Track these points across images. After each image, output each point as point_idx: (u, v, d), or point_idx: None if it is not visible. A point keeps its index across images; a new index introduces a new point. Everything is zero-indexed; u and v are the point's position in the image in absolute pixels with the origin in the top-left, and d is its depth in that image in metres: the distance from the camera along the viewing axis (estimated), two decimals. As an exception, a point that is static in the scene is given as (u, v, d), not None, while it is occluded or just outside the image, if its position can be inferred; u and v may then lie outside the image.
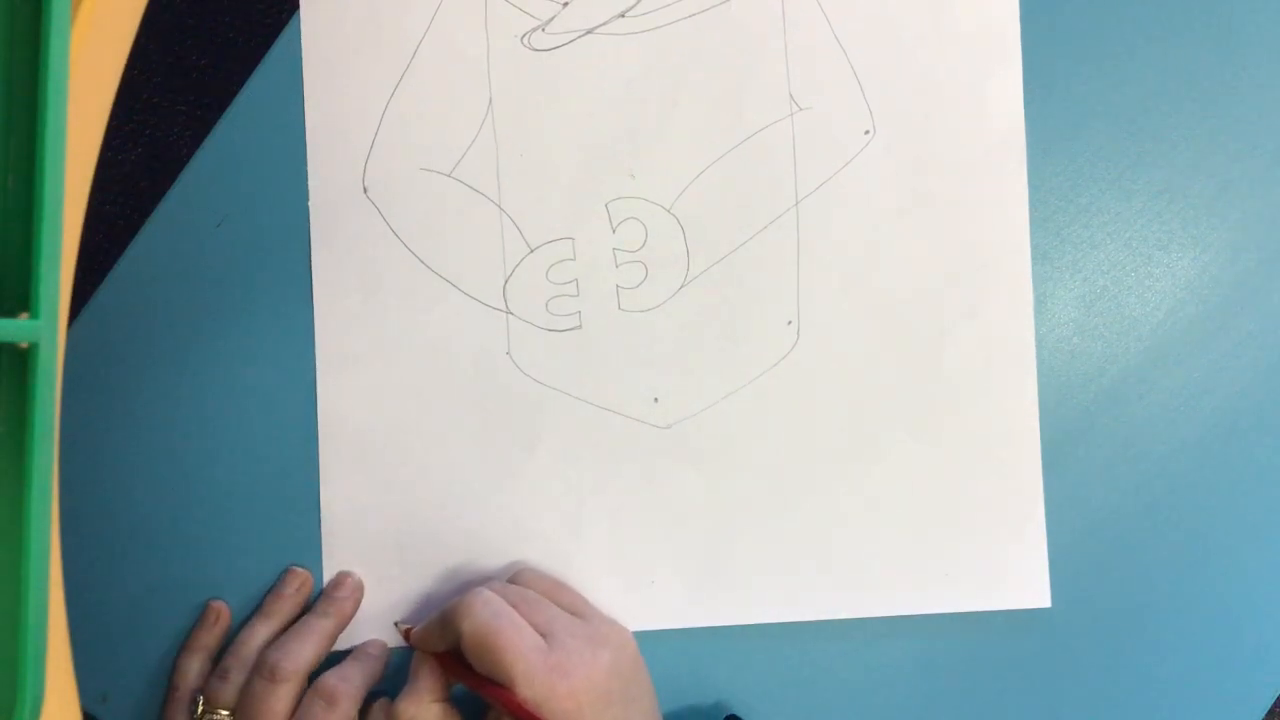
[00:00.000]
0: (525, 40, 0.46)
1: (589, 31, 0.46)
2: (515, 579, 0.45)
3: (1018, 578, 0.46)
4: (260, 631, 0.45)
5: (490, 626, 0.39)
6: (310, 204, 0.46)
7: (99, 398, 0.46)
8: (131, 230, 0.46)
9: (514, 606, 0.41)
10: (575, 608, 0.44)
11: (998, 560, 0.46)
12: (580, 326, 0.46)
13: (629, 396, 0.46)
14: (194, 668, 0.45)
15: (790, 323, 0.46)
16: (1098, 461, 0.46)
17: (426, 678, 0.42)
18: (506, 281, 0.46)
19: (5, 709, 0.27)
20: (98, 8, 0.31)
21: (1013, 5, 0.46)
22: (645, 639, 0.44)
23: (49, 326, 0.27)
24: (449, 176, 0.46)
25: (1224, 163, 0.46)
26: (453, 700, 0.43)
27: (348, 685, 0.43)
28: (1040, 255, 0.46)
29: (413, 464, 0.46)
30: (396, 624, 0.45)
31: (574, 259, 0.46)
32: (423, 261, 0.46)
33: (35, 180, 0.27)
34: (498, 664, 0.39)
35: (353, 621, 0.45)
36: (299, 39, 0.46)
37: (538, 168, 0.46)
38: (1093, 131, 0.46)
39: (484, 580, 0.45)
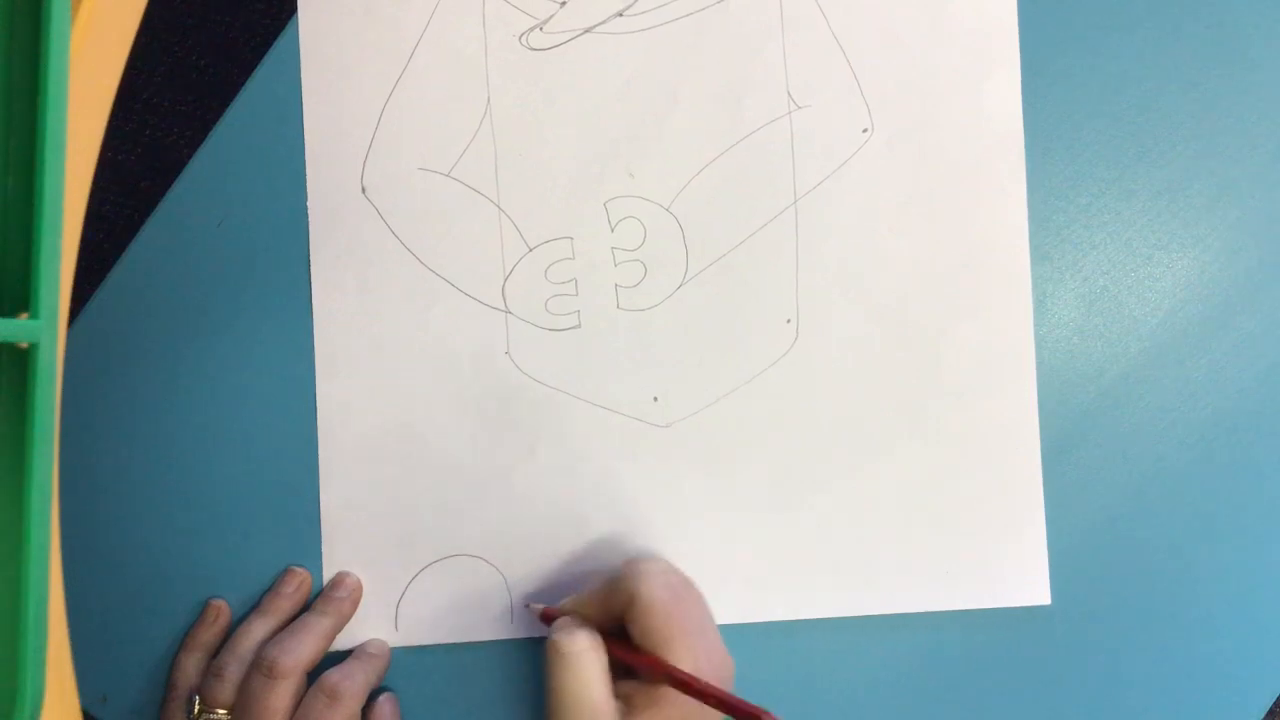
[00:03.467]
0: (523, 39, 0.46)
1: (587, 30, 0.46)
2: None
3: (1018, 575, 0.46)
4: (257, 629, 0.44)
5: (674, 595, 0.39)
6: (309, 204, 0.46)
7: (99, 398, 0.46)
8: (131, 230, 0.46)
9: None
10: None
11: (998, 558, 0.46)
12: (579, 326, 0.46)
13: (628, 395, 0.46)
14: (193, 666, 0.45)
15: (789, 321, 0.46)
16: (1098, 461, 0.46)
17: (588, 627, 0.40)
18: (505, 281, 0.46)
19: (5, 709, 0.27)
20: (98, 8, 0.31)
21: (1010, 3, 0.46)
22: (645, 638, 0.44)
23: (49, 326, 0.27)
24: (447, 176, 0.46)
25: (1224, 163, 0.46)
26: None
27: (351, 683, 0.43)
28: (1040, 255, 0.46)
29: (412, 464, 0.46)
30: (528, 605, 0.44)
31: (573, 258, 0.46)
32: (421, 261, 0.46)
33: (35, 180, 0.27)
34: (669, 640, 0.38)
35: (353, 621, 0.45)
36: (298, 39, 0.46)
37: (536, 167, 0.46)
38: (1093, 131, 0.46)
39: (483, 582, 0.45)
